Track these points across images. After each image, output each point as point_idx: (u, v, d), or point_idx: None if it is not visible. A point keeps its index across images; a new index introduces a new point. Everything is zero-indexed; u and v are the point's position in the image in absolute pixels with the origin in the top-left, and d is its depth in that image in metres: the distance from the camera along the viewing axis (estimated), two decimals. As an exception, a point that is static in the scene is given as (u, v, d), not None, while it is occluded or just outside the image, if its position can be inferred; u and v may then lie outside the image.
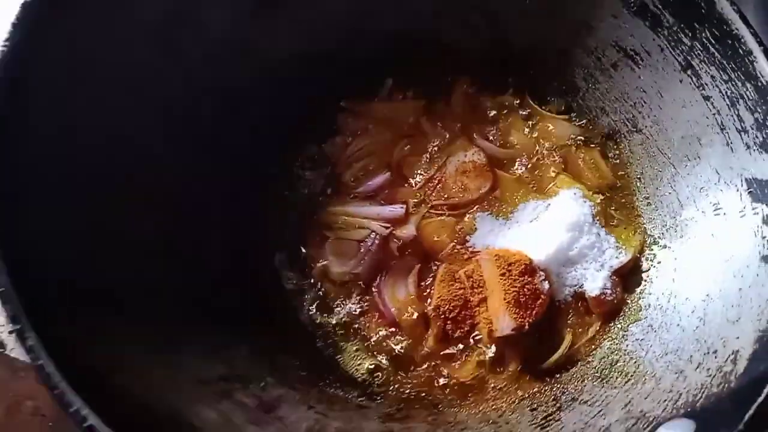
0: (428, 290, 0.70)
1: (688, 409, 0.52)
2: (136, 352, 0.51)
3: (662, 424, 0.51)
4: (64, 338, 0.44)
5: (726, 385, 0.52)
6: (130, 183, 0.59)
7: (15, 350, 0.87)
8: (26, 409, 0.76)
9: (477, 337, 0.67)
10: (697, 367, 0.55)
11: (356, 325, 0.70)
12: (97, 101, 0.58)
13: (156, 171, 0.63)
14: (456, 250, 0.71)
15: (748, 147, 0.60)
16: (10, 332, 0.42)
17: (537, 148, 0.77)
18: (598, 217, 0.72)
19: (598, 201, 0.73)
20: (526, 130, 0.78)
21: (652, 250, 0.71)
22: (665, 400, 0.55)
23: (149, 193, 0.61)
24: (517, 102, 0.80)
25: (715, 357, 0.54)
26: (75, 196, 0.53)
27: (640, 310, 0.68)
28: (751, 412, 0.47)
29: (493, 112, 0.80)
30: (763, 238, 0.57)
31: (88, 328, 0.48)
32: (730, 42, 0.60)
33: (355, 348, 0.69)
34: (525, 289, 0.64)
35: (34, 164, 0.51)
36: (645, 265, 0.71)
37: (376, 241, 0.71)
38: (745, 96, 0.60)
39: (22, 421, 0.75)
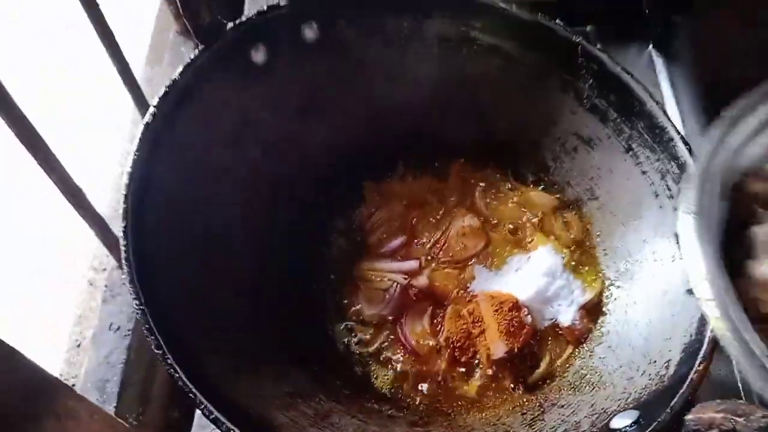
0: (440, 326, 0.86)
1: (635, 403, 0.69)
2: (231, 372, 0.69)
3: (616, 415, 0.69)
4: (188, 358, 0.63)
5: (661, 383, 0.68)
6: (218, 246, 0.79)
7: (91, 395, 1.03)
8: (98, 447, 0.90)
9: (478, 361, 0.84)
10: (642, 374, 0.72)
11: (384, 354, 0.86)
12: (192, 187, 0.77)
13: (233, 238, 0.82)
14: (460, 295, 0.88)
15: (675, 208, 0.80)
16: (159, 353, 0.61)
17: (519, 213, 0.94)
18: (567, 266, 0.89)
19: (567, 253, 0.90)
20: (510, 200, 0.95)
21: (609, 289, 0.87)
22: (619, 399, 0.71)
23: (230, 255, 0.80)
24: (501, 178, 0.98)
25: (655, 365, 0.71)
26: (184, 253, 0.73)
27: (602, 336, 0.84)
28: (676, 399, 0.64)
29: (483, 187, 0.97)
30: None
31: (203, 353, 0.66)
32: (657, 131, 0.80)
33: (384, 372, 0.85)
34: (513, 322, 0.81)
35: (158, 230, 0.70)
36: (605, 301, 0.87)
37: (398, 290, 0.88)
38: (671, 171, 0.79)
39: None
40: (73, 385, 1.01)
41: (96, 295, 1.07)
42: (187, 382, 0.60)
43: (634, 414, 0.67)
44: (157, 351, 0.61)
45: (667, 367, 0.70)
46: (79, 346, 1.05)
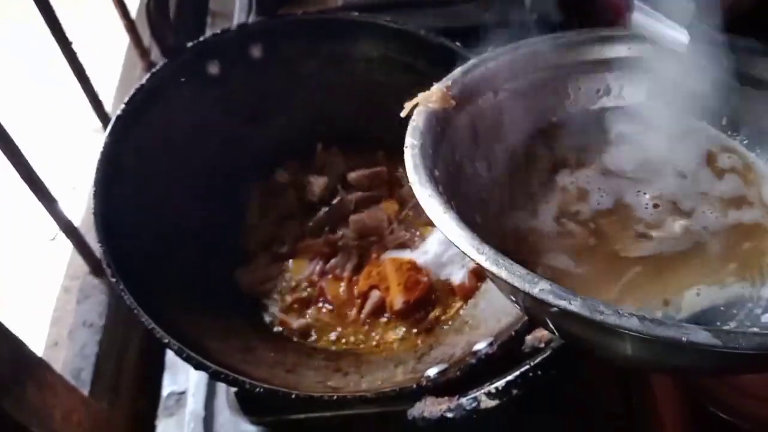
0: (355, 285, 1.04)
1: (495, 335, 0.87)
2: (183, 316, 0.86)
3: (478, 342, 0.87)
4: (151, 305, 0.80)
5: (516, 318, 0.86)
6: (175, 222, 0.97)
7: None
8: (73, 418, 0.93)
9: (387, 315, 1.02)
10: (507, 315, 0.87)
11: (307, 306, 1.04)
12: (156, 173, 0.96)
13: (187, 219, 0.99)
14: (373, 261, 1.06)
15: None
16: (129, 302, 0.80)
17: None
18: (463, 238, 1.08)
19: (464, 229, 1.09)
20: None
21: (494, 256, 1.06)
22: (487, 335, 0.88)
23: (186, 229, 0.98)
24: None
25: (515, 307, 0.89)
26: (147, 228, 0.91)
27: (485, 292, 0.99)
28: (519, 325, 0.82)
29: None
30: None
31: (162, 302, 0.83)
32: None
33: (306, 320, 1.01)
34: (410, 279, 0.99)
35: (125, 204, 0.89)
36: (489, 266, 1.06)
37: (322, 261, 1.07)
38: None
39: (70, 428, 0.91)
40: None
41: (71, 300, 1.17)
42: (140, 308, 0.79)
43: (489, 339, 0.84)
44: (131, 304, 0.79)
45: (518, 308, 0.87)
46: (56, 344, 1.11)
